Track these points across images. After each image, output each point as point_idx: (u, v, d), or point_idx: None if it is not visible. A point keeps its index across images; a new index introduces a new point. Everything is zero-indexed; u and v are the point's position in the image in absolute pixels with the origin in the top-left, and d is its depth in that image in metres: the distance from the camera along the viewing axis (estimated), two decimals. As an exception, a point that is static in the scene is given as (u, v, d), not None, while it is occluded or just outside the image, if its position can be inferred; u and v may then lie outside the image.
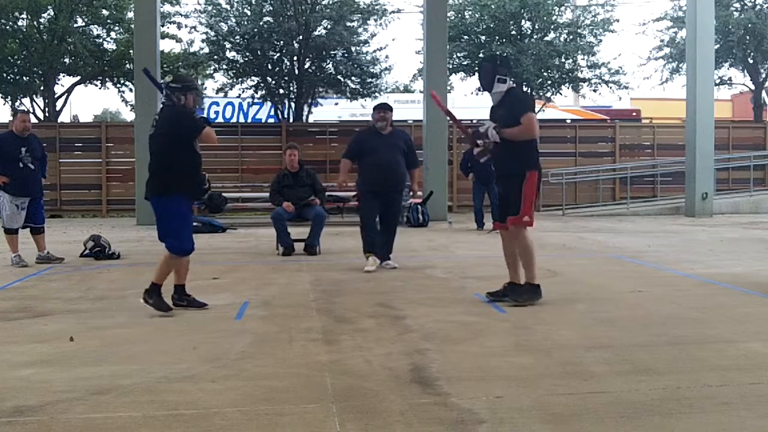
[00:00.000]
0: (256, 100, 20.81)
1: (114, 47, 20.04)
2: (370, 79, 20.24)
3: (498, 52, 18.84)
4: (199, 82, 20.90)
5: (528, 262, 5.72)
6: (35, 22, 19.26)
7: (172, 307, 5.45)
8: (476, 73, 5.85)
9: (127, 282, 7.07)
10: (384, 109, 8.08)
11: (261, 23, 19.18)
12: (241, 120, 25.39)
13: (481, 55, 21.30)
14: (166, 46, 19.81)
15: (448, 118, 6.06)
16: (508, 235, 5.84)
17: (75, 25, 19.68)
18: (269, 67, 19.79)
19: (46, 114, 19.94)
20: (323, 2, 19.57)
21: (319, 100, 21.71)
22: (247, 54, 19.53)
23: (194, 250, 5.62)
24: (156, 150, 5.46)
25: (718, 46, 19.51)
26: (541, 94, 21.71)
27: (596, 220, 15.80)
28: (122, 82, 20.18)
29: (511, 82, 5.89)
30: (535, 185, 5.73)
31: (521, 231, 5.71)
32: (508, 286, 5.88)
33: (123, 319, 5.35)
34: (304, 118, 20.27)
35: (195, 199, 5.80)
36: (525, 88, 21.19)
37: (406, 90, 26.50)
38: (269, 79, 19.90)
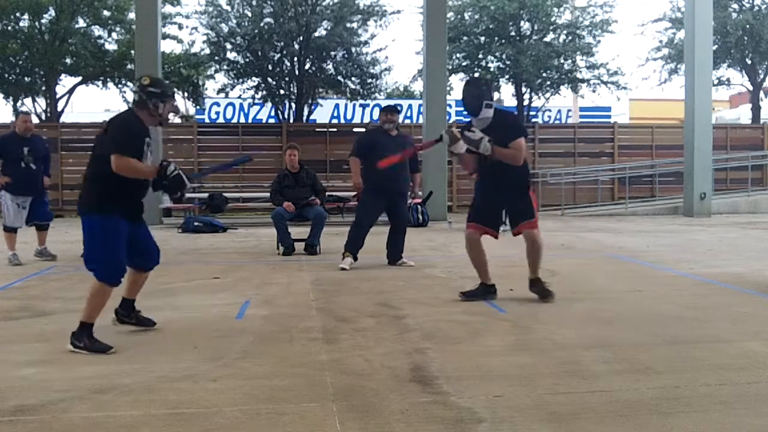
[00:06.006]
0: (256, 101, 20.83)
1: (115, 48, 20.04)
2: (370, 80, 20.27)
3: (482, 76, 18.91)
4: (200, 83, 20.92)
5: (538, 260, 6.00)
6: (37, 23, 19.26)
7: (112, 346, 4.42)
8: (463, 97, 5.96)
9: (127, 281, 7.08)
10: (392, 111, 8.22)
11: (261, 24, 19.20)
12: (242, 120, 25.43)
13: (480, 56, 21.37)
14: (167, 46, 19.83)
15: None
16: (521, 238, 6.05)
17: (76, 26, 19.69)
18: (270, 67, 19.81)
19: (48, 114, 19.96)
20: (323, 3, 19.60)
21: (319, 100, 21.75)
22: (248, 55, 19.56)
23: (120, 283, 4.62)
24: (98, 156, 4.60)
25: (716, 46, 19.53)
26: (540, 95, 21.81)
27: (595, 219, 15.82)
28: (123, 82, 20.20)
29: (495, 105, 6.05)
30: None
31: (538, 232, 5.95)
32: (481, 287, 6.02)
33: (124, 318, 5.36)
34: (304, 118, 20.33)
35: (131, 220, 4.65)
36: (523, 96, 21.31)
37: (406, 90, 26.50)
38: (270, 79, 19.93)
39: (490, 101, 5.84)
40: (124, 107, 21.18)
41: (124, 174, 4.43)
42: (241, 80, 20.00)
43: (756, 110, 23.21)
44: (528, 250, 5.97)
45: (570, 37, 21.32)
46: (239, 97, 21.73)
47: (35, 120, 20.05)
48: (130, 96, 19.86)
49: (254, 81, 20.06)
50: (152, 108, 4.62)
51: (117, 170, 4.40)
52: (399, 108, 8.60)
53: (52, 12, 19.25)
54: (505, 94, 34.12)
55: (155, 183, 4.67)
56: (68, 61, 19.79)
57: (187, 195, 4.48)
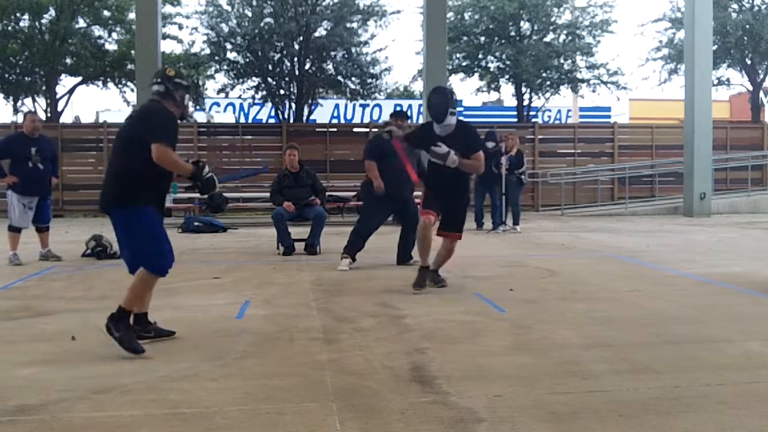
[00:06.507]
0: (256, 101, 20.85)
1: (115, 48, 20.06)
2: (369, 80, 20.28)
3: (448, 86, 18.98)
4: (200, 83, 20.93)
5: (444, 262, 6.59)
6: (37, 23, 19.28)
7: (144, 349, 4.29)
8: (429, 104, 6.38)
9: (128, 281, 7.05)
10: (402, 117, 8.30)
11: (262, 24, 19.21)
12: (242, 120, 25.44)
13: (480, 56, 21.39)
14: (167, 46, 19.84)
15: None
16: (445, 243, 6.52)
17: (76, 26, 19.71)
18: (270, 68, 19.82)
19: (48, 114, 19.97)
20: (323, 3, 19.61)
21: (319, 100, 21.76)
22: (248, 55, 19.57)
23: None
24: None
25: (716, 47, 19.53)
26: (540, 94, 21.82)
27: (595, 219, 15.82)
28: (123, 82, 20.21)
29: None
30: None
31: (456, 244, 6.52)
32: (421, 272, 6.39)
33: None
34: (304, 118, 20.34)
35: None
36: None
37: (406, 90, 26.52)
38: (270, 79, 19.94)
39: (454, 109, 6.19)
40: (124, 107, 21.32)
41: (163, 164, 4.28)
42: (241, 80, 20.01)
43: (756, 110, 23.20)
44: (441, 252, 6.49)
45: (570, 37, 21.34)
46: (239, 97, 21.75)
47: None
48: (130, 94, 20.03)
49: (254, 81, 20.08)
50: (178, 99, 4.52)
51: (157, 160, 4.24)
52: (409, 114, 8.68)
53: (52, 12, 19.27)
54: (505, 94, 34.17)
55: (189, 182, 4.58)
56: (68, 61, 19.80)
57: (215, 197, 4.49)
